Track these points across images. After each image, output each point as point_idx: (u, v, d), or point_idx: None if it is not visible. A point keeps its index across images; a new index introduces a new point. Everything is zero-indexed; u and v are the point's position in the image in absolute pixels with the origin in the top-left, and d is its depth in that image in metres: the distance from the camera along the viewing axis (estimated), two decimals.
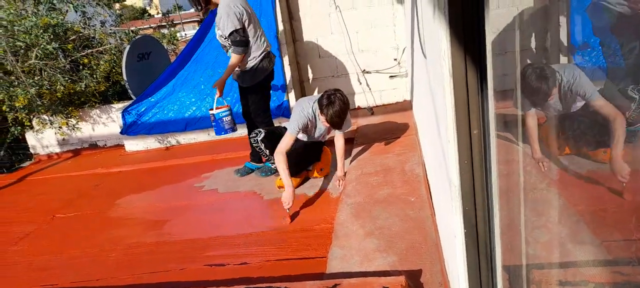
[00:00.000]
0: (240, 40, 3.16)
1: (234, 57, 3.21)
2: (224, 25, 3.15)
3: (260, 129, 3.34)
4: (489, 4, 1.10)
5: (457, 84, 1.09)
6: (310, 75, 5.08)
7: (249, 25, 3.23)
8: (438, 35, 1.21)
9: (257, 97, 3.45)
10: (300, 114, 3.14)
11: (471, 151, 1.15)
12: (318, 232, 2.66)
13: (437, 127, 1.59)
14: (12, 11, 5.13)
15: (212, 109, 3.43)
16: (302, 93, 5.15)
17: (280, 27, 4.61)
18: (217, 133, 3.48)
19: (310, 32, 4.92)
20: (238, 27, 3.14)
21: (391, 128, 4.20)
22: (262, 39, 3.35)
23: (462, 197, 1.23)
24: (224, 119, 3.44)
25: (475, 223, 1.30)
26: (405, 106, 4.85)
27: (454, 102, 1.11)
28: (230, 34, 3.15)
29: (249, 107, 3.50)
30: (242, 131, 4.81)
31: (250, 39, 3.26)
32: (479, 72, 1.12)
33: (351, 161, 3.56)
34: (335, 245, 2.36)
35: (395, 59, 4.88)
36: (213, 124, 3.47)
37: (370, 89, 5.03)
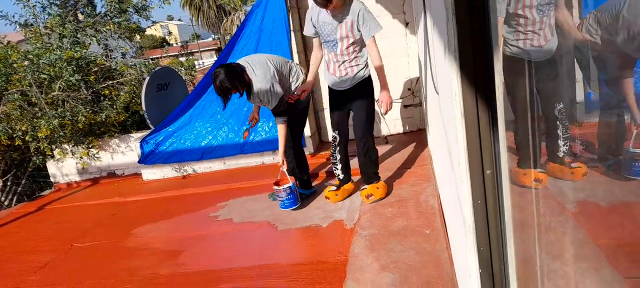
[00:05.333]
0: (283, 110, 3.31)
1: (281, 127, 3.36)
2: (268, 100, 3.24)
3: (336, 135, 3.35)
4: (499, 45, 1.12)
5: (469, 126, 1.10)
6: (325, 105, 5.13)
7: (280, 77, 3.35)
8: (449, 76, 1.23)
9: (293, 125, 3.51)
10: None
11: (484, 191, 1.15)
12: (332, 264, 2.64)
13: (450, 164, 1.59)
14: (38, 45, 5.34)
15: (277, 183, 3.46)
16: (317, 123, 5.19)
17: (296, 57, 4.69)
18: (282, 207, 3.50)
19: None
20: (281, 95, 3.26)
21: (406, 158, 4.19)
22: (296, 74, 3.50)
23: (477, 237, 1.22)
24: (284, 194, 3.44)
25: (490, 262, 1.29)
26: (420, 135, 4.84)
27: (467, 143, 1.11)
28: (278, 109, 3.30)
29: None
30: (262, 159, 4.90)
31: (291, 85, 3.44)
32: (490, 112, 1.13)
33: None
34: (349, 278, 2.34)
35: (409, 89, 4.90)
36: (277, 197, 3.51)
37: (384, 118, 5.05)
